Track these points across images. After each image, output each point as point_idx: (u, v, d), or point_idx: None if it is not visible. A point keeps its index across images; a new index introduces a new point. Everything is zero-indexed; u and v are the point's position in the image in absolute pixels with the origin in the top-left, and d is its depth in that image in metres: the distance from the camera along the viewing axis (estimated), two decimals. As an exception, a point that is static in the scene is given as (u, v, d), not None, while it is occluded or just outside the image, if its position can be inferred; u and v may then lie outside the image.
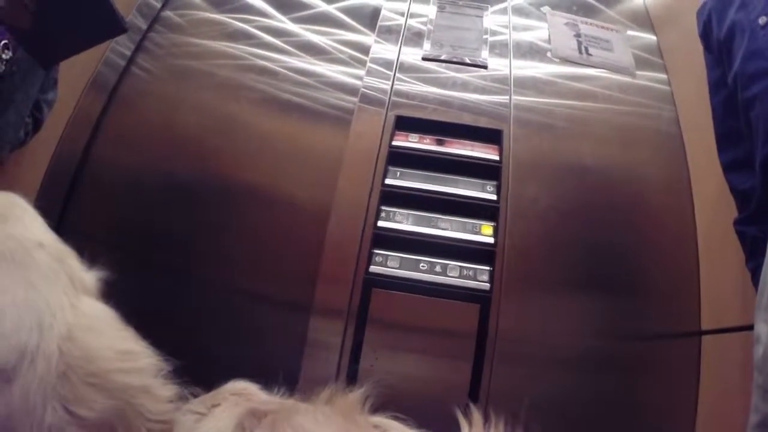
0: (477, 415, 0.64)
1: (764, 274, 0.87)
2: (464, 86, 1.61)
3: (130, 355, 0.60)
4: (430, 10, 1.83)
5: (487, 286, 1.33)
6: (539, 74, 1.66)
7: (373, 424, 0.65)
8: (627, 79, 1.67)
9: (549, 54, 1.72)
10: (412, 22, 1.79)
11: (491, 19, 1.82)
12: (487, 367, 1.27)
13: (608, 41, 1.77)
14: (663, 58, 1.73)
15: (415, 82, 1.61)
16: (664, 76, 1.68)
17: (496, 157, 1.47)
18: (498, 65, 1.67)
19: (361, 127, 1.51)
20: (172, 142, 1.55)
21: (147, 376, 0.60)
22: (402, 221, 1.40)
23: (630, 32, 1.82)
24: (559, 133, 1.54)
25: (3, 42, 1.07)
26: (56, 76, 1.34)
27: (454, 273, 1.35)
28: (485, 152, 1.49)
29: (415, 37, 1.74)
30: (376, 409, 0.67)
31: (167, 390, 0.62)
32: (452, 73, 1.64)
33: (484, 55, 1.70)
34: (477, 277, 1.34)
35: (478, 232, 1.39)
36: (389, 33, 1.74)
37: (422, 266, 1.35)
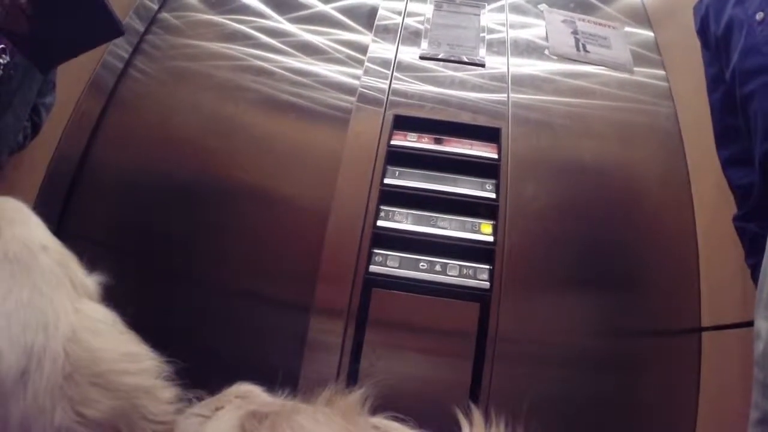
0: (478, 415, 0.64)
1: (764, 271, 0.87)
2: (462, 85, 1.61)
3: (133, 356, 0.61)
4: (427, 9, 1.83)
5: (487, 284, 1.33)
6: (537, 72, 1.66)
7: (373, 425, 0.65)
8: (625, 75, 1.66)
9: (547, 51, 1.72)
10: (409, 21, 1.79)
11: (488, 17, 1.82)
12: (488, 366, 1.26)
13: (606, 38, 1.77)
14: (661, 54, 1.72)
15: (412, 81, 1.61)
16: (662, 72, 1.68)
17: (495, 156, 1.47)
18: (496, 63, 1.67)
19: (360, 126, 1.51)
20: (170, 144, 1.55)
21: (150, 377, 0.61)
22: (401, 220, 1.40)
23: (627, 29, 1.81)
24: (558, 130, 1.54)
25: (0, 47, 1.08)
26: (54, 79, 1.34)
27: (453, 272, 1.34)
28: (484, 150, 1.49)
29: (413, 36, 1.74)
30: (376, 410, 0.67)
31: (168, 391, 0.62)
32: (450, 72, 1.64)
33: (482, 53, 1.70)
34: (477, 275, 1.34)
35: (477, 231, 1.39)
36: (386, 32, 1.74)
37: (422, 265, 1.35)
